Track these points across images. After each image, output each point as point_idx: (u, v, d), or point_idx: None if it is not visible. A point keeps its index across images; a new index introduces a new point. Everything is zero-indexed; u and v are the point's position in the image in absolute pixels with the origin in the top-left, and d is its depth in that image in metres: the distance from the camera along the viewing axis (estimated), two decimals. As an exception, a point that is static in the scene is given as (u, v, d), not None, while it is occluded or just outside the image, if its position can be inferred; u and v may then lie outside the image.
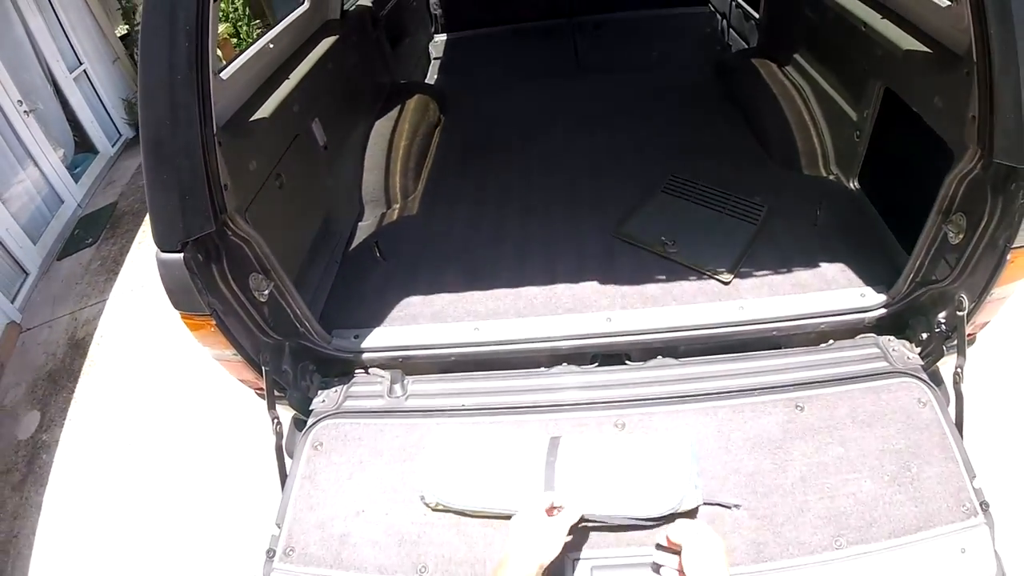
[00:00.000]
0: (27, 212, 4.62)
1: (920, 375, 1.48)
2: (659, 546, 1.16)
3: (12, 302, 4.16)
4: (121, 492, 2.89)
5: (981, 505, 1.26)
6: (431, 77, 3.27)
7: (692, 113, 2.77)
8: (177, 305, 1.32)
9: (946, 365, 1.57)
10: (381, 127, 2.51)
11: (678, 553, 1.10)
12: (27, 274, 4.43)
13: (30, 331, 4.08)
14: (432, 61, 3.53)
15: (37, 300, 4.33)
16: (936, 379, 1.53)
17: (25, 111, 4.57)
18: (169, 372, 3.41)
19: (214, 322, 1.33)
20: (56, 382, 3.67)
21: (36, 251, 4.55)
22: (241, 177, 1.45)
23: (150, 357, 3.59)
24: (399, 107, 2.62)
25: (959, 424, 1.40)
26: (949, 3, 1.47)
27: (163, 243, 1.23)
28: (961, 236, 1.39)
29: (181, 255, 1.22)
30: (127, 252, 4.53)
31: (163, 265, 1.24)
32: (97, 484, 2.99)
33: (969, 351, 1.43)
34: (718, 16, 3.63)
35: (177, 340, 3.03)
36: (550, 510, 1.18)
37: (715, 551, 1.06)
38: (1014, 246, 1.27)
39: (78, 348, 3.83)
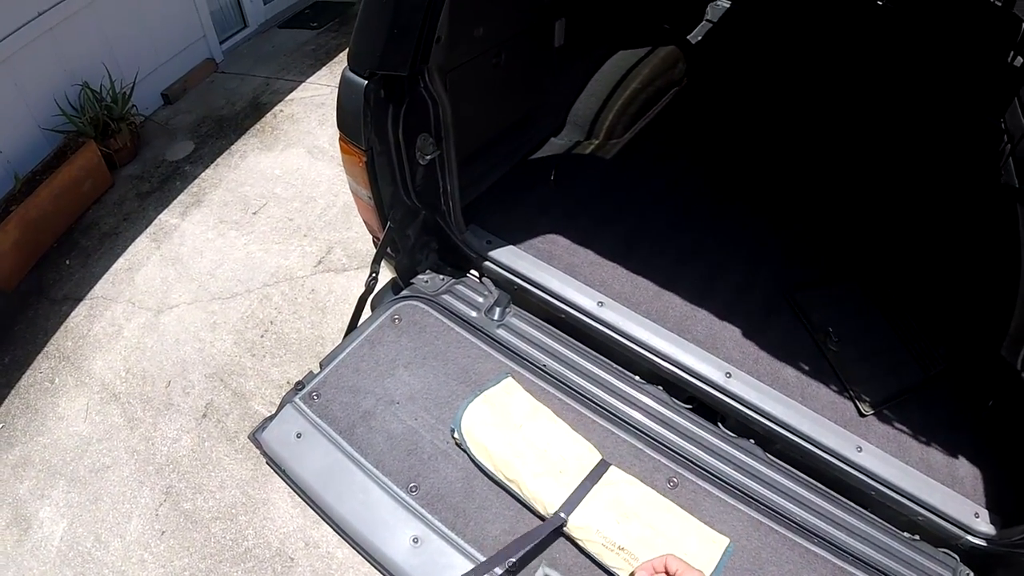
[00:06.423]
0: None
1: None
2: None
3: (221, 43, 4.46)
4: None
5: None
6: (695, 36, 2.89)
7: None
8: (340, 126, 1.31)
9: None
10: (620, 59, 2.30)
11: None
12: (246, 27, 4.73)
13: (223, 75, 4.37)
14: (704, 23, 3.10)
15: (243, 52, 4.62)
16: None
17: None
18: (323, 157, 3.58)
19: (364, 160, 1.30)
20: (222, 128, 3.91)
21: (264, 11, 4.83)
22: (460, 39, 1.39)
23: (314, 141, 3.77)
24: (649, 49, 2.39)
25: None
26: None
27: (353, 63, 1.20)
28: None
29: (365, 82, 1.18)
30: (342, 49, 4.58)
31: (345, 83, 1.22)
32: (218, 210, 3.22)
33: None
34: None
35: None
36: None
37: None
38: None
39: (256, 109, 4.04)
